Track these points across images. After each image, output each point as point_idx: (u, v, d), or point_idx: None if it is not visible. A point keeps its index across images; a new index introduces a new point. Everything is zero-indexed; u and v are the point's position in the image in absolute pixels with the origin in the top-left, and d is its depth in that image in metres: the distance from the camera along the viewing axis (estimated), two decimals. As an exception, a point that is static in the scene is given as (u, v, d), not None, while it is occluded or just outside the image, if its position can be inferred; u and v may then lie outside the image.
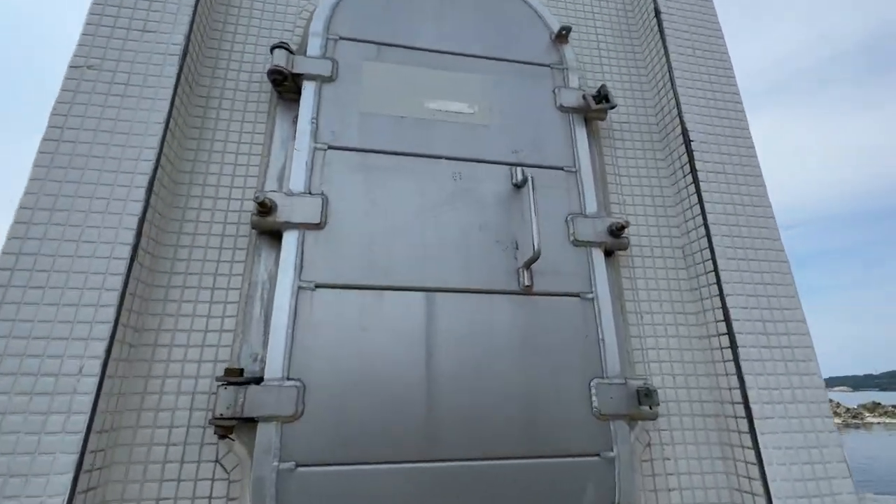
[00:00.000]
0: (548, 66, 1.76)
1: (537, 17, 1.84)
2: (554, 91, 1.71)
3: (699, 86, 1.79)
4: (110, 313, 1.10)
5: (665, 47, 1.84)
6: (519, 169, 1.53)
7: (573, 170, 1.60)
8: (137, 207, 1.21)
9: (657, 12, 1.90)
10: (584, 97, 1.68)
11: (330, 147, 1.45)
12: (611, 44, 1.99)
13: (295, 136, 1.46)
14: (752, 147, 1.72)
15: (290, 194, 1.35)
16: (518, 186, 1.52)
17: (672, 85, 1.78)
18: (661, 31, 1.87)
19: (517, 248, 1.45)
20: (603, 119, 1.76)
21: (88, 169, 1.23)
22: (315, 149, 1.43)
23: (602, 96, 1.66)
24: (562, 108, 1.69)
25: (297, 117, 1.49)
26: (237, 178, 1.46)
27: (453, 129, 1.57)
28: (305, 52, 1.57)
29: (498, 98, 1.65)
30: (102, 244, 1.16)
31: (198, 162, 1.45)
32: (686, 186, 1.67)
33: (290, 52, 1.51)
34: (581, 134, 1.67)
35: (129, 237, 1.18)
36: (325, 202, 1.37)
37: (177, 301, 1.29)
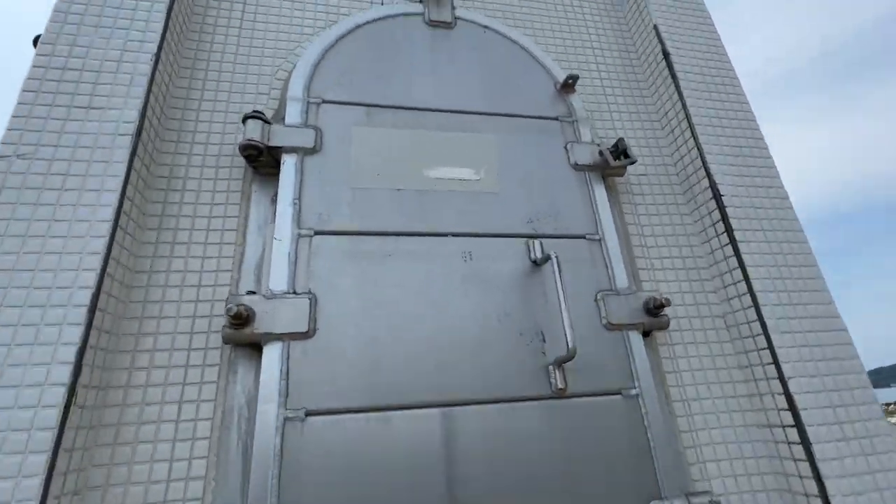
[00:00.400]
0: (556, 118, 1.59)
1: (540, 66, 1.68)
2: (566, 147, 1.53)
3: (720, 132, 1.63)
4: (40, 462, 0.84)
5: (679, 92, 1.69)
6: (537, 242, 1.32)
7: (596, 237, 1.41)
8: (75, 334, 0.96)
9: (666, 55, 1.76)
10: (600, 153, 1.50)
11: (317, 232, 1.22)
12: (617, 90, 1.84)
13: (274, 219, 1.24)
14: (787, 198, 1.55)
15: (271, 296, 1.12)
16: (537, 264, 1.31)
17: (692, 132, 1.62)
18: (672, 74, 1.72)
19: (544, 341, 1.23)
20: (622, 175, 1.58)
21: (12, 288, 0.98)
22: (299, 236, 1.21)
23: (620, 151, 1.49)
24: (576, 167, 1.50)
25: (276, 195, 1.27)
26: (206, 274, 1.22)
27: (459, 199, 1.36)
28: (284, 119, 1.36)
29: (506, 160, 1.46)
30: (27, 388, 0.90)
31: (157, 258, 1.21)
32: (722, 247, 1.48)
33: (266, 121, 1.31)
34: (601, 194, 1.48)
35: (64, 375, 0.93)
36: (314, 303, 1.13)
37: (131, 443, 1.03)
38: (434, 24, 1.66)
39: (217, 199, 1.31)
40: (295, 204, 1.24)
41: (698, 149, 1.59)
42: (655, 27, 1.81)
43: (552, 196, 1.44)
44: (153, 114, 1.28)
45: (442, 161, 1.40)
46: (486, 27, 1.71)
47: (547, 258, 1.24)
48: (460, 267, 1.27)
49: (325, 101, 1.41)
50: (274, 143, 1.29)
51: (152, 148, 1.28)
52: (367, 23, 1.60)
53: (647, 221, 1.59)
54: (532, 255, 1.32)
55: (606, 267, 1.37)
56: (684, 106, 1.66)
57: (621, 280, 1.36)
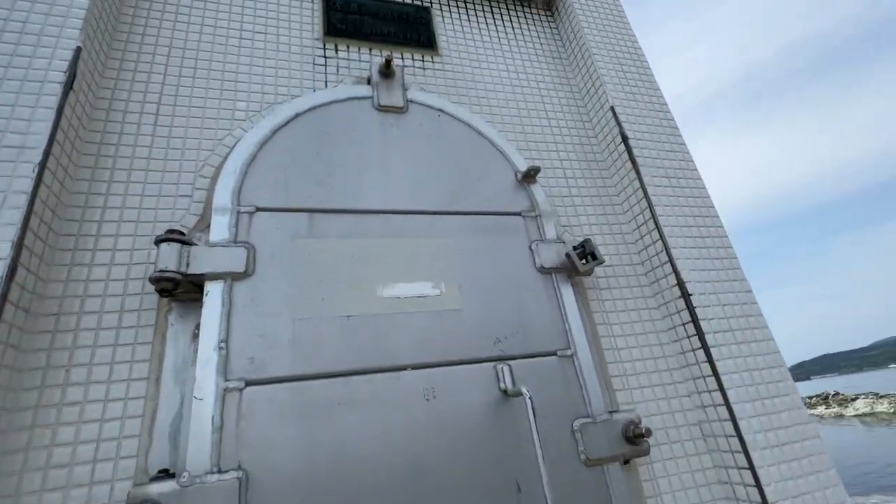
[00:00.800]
0: (519, 214, 1.48)
1: (499, 153, 1.57)
2: (531, 247, 1.42)
3: (683, 221, 1.60)
4: None
5: (640, 177, 1.65)
6: (506, 368, 1.19)
7: (568, 352, 1.30)
8: None
9: (624, 139, 1.72)
10: (567, 255, 1.41)
11: (249, 383, 1.02)
12: (577, 172, 1.78)
13: (196, 362, 1.02)
14: (756, 303, 1.52)
15: (189, 482, 0.89)
16: (507, 394, 1.17)
17: (655, 222, 1.57)
18: (632, 159, 1.68)
19: (519, 491, 1.08)
20: (589, 275, 1.49)
21: None
22: (226, 391, 0.99)
23: (588, 252, 1.40)
24: (542, 269, 1.40)
25: (199, 327, 1.06)
26: (104, 445, 0.97)
27: (418, 322, 1.20)
28: (208, 234, 1.15)
29: (467, 268, 1.33)
30: None
31: (36, 428, 0.95)
32: (693, 350, 1.42)
33: (184, 241, 1.09)
34: (569, 299, 1.38)
35: None
36: (244, 484, 0.92)
37: None
38: (384, 108, 1.52)
39: (122, 339, 1.07)
40: (221, 349, 1.03)
41: (662, 240, 1.54)
42: (612, 109, 1.78)
43: (519, 307, 1.32)
44: (36, 236, 1.03)
45: (397, 275, 1.25)
46: (440, 111, 1.59)
47: (518, 393, 1.11)
48: (423, 409, 1.10)
49: (259, 209, 1.22)
50: (194, 269, 1.08)
51: (34, 280, 1.03)
52: (309, 109, 1.43)
53: (616, 319, 1.51)
54: (501, 384, 1.18)
55: (581, 387, 1.26)
56: (645, 193, 1.62)
57: (597, 402, 1.25)
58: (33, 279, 1.02)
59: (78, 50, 1.22)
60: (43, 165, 1.06)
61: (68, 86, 1.17)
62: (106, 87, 1.35)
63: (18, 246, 0.97)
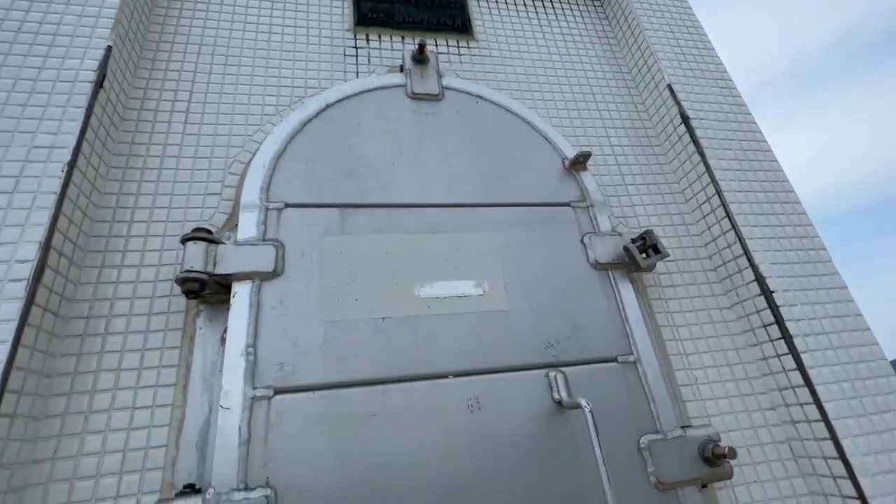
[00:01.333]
0: (568, 204, 1.34)
1: (544, 140, 1.44)
2: (583, 241, 1.28)
3: (757, 209, 1.40)
4: None
5: (705, 161, 1.46)
6: (559, 376, 1.05)
7: (630, 358, 1.14)
8: None
9: (685, 119, 1.54)
10: (625, 248, 1.25)
11: (278, 391, 0.94)
12: (631, 158, 1.61)
13: (223, 368, 0.95)
14: (852, 300, 1.30)
15: (215, 500, 0.82)
16: (562, 405, 1.03)
17: (725, 208, 1.38)
18: (694, 141, 1.50)
19: (581, 519, 0.94)
20: (650, 271, 1.32)
21: None
22: (254, 399, 0.92)
23: (649, 246, 1.24)
24: (597, 265, 1.25)
25: (227, 331, 0.99)
26: (130, 455, 0.92)
27: (459, 324, 1.09)
28: (236, 232, 1.09)
29: (514, 264, 1.20)
30: None
31: (63, 437, 0.91)
32: (779, 356, 1.22)
33: (212, 240, 1.03)
34: (630, 300, 1.22)
35: None
36: (272, 502, 0.84)
37: None
38: (418, 96, 1.42)
39: (151, 343, 1.02)
40: (249, 353, 0.95)
41: (735, 230, 1.35)
42: (670, 87, 1.60)
43: (573, 307, 1.17)
44: (66, 237, 1.00)
45: (436, 273, 1.14)
46: (478, 97, 1.48)
47: (576, 405, 0.97)
48: (466, 421, 0.98)
49: (288, 206, 1.15)
50: (222, 269, 1.01)
51: (63, 283, 0.99)
52: (339, 100, 1.35)
53: (683, 321, 1.33)
54: (555, 394, 1.04)
55: (647, 398, 1.10)
56: (713, 178, 1.43)
57: (666, 415, 1.08)
58: (62, 281, 0.99)
59: (108, 49, 1.20)
60: (72, 165, 1.03)
61: (98, 85, 1.15)
62: (137, 86, 1.33)
63: (46, 247, 0.93)
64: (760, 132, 1.58)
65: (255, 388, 0.93)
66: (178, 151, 1.27)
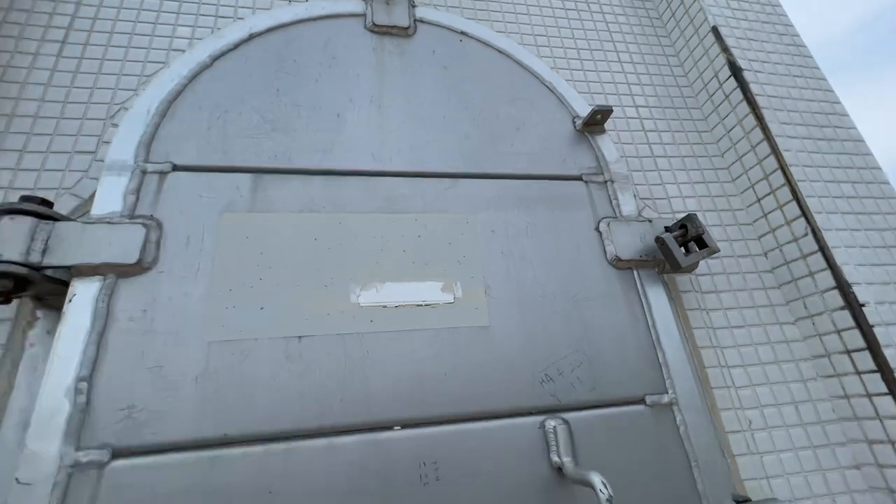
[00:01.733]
0: (578, 177, 0.98)
1: (548, 92, 1.07)
2: (598, 228, 0.92)
3: (835, 190, 1.04)
4: None
5: (763, 125, 1.10)
6: (561, 428, 0.71)
7: (664, 399, 0.79)
8: None
9: (736, 71, 1.16)
10: (657, 240, 0.89)
11: (118, 453, 0.60)
12: (658, 120, 1.24)
13: (34, 416, 0.61)
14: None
15: None
16: (562, 472, 0.69)
17: (792, 189, 1.02)
18: (748, 99, 1.13)
19: None
20: (692, 271, 0.97)
21: None
22: (74, 468, 0.58)
23: (692, 237, 0.88)
24: (617, 262, 0.89)
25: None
26: None
27: (414, 346, 0.74)
28: (91, 205, 0.74)
29: (498, 259, 0.85)
30: None
31: None
32: (870, 396, 0.87)
33: (45, 215, 0.69)
34: (663, 313, 0.87)
35: None
36: None
37: None
38: (381, 29, 1.06)
39: (-48, 367, 0.68)
40: (79, 392, 0.61)
41: (807, 219, 0.99)
42: (715, 30, 1.22)
43: (583, 323, 0.82)
44: None
45: (387, 271, 0.79)
46: (462, 33, 1.11)
47: (585, 481, 0.62)
48: (417, 501, 0.64)
49: (177, 168, 0.79)
50: (56, 259, 0.67)
51: None
52: (270, 29, 0.99)
53: (730, 340, 0.98)
54: (554, 456, 0.70)
55: (688, 458, 0.75)
56: (774, 149, 1.07)
57: (715, 484, 0.74)
58: None
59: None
60: None
61: None
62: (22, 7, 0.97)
63: None
64: (833, 91, 1.21)
65: (79, 448, 0.59)
66: (41, 93, 0.92)
